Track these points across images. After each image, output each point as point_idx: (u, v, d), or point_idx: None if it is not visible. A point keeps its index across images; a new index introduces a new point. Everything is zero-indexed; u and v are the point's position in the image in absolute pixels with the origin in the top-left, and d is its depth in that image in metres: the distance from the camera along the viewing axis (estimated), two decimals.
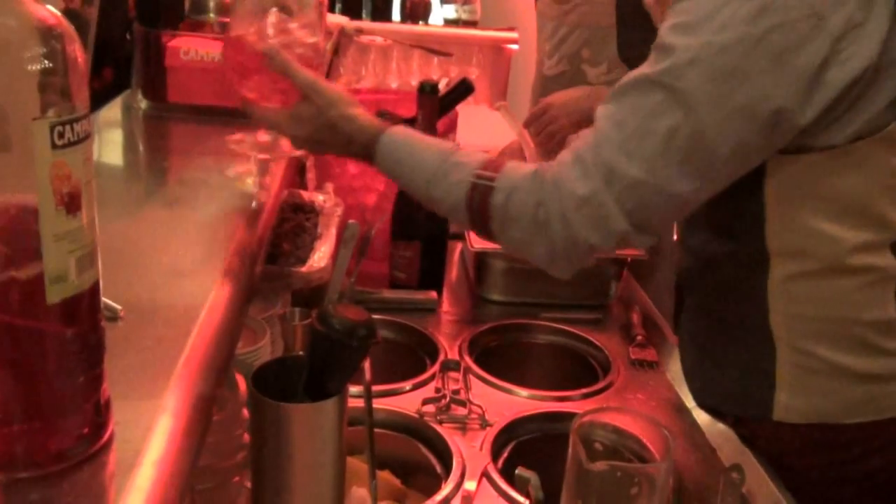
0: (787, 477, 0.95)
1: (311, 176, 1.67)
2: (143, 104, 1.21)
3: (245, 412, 0.76)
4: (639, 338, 1.22)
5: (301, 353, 0.96)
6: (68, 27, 0.42)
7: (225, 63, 1.05)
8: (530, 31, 2.24)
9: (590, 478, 0.72)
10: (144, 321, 0.61)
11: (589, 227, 0.82)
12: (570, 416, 1.02)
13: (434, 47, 2.45)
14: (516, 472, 0.84)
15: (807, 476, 0.96)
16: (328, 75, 2.27)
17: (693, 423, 1.05)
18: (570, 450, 0.74)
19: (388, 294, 1.26)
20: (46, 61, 0.40)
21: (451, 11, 2.78)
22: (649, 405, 1.08)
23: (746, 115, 0.79)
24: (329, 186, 1.23)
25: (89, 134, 0.43)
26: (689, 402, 1.09)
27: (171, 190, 0.97)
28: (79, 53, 0.42)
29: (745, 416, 0.98)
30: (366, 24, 2.58)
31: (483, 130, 2.08)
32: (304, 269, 0.99)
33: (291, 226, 1.12)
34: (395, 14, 2.90)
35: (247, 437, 0.76)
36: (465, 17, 2.76)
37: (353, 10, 2.69)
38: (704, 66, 0.78)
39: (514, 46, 2.66)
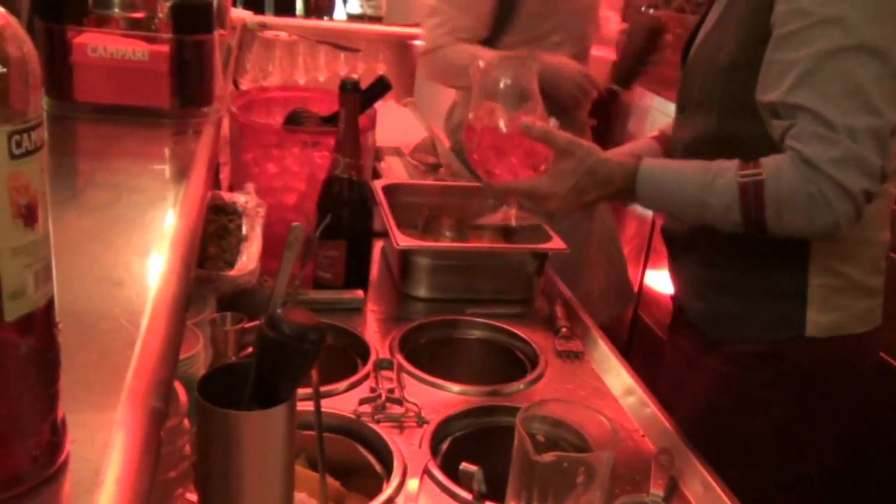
0: (814, 391, 1.12)
1: (223, 176, 1.63)
2: (46, 104, 1.15)
3: (186, 422, 0.74)
4: (563, 330, 1.24)
5: (234, 357, 0.95)
6: (19, 28, 0.40)
7: (477, 151, 1.19)
8: None
9: (536, 469, 0.74)
10: (85, 334, 0.59)
11: (859, 177, 0.95)
12: (503, 410, 1.04)
13: (340, 43, 2.43)
14: (460, 467, 0.85)
15: (828, 382, 1.13)
16: (234, 73, 2.21)
17: (620, 411, 1.08)
18: (515, 442, 0.76)
19: (314, 295, 1.25)
20: (0, 66, 0.38)
21: (355, 7, 2.76)
22: (578, 394, 1.10)
23: None
24: (250, 187, 1.21)
25: (44, 142, 0.41)
26: (616, 390, 1.13)
27: (89, 195, 0.93)
28: (32, 56, 0.40)
29: (779, 338, 1.12)
30: (269, 19, 2.53)
31: (393, 127, 2.08)
32: (233, 272, 0.97)
33: (215, 228, 1.09)
34: (300, 9, 2.86)
35: (188, 447, 0.74)
36: (369, 12, 2.75)
37: (255, 5, 2.63)
38: (877, 17, 0.92)
39: (421, 43, 2.66)
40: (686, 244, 1.20)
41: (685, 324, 1.25)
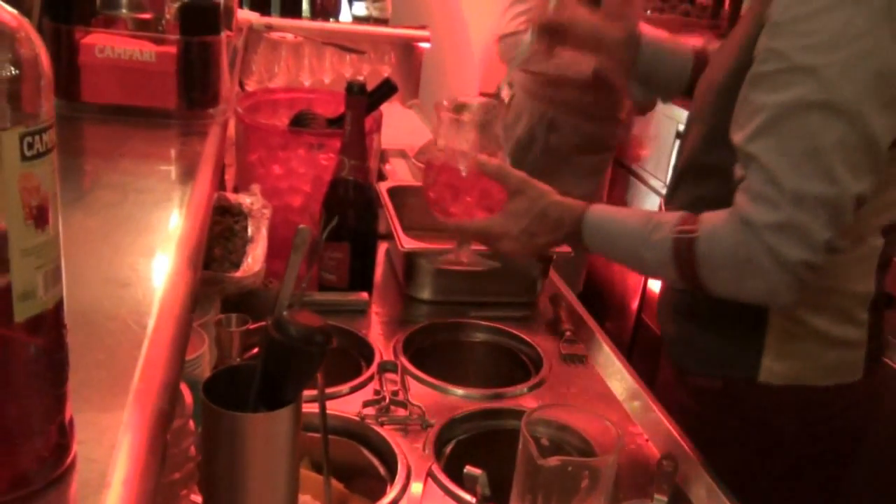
0: (768, 436, 1.06)
1: (228, 177, 1.63)
2: (54, 104, 1.15)
3: (191, 423, 0.74)
4: (567, 333, 1.24)
5: (239, 359, 0.95)
6: (31, 29, 0.40)
7: (433, 187, 1.16)
8: (441, 30, 2.27)
9: (541, 473, 0.74)
10: (92, 335, 0.59)
11: (794, 247, 0.88)
12: (507, 413, 1.04)
13: (346, 44, 2.43)
14: (465, 470, 0.85)
15: (785, 435, 1.06)
16: (240, 74, 2.22)
17: (625, 415, 1.08)
18: (520, 446, 0.76)
19: (319, 296, 1.25)
20: (12, 68, 0.38)
21: (361, 9, 2.76)
22: (582, 399, 1.11)
23: None
24: (256, 188, 1.21)
25: (55, 144, 0.41)
26: (620, 394, 1.13)
27: (96, 195, 0.93)
28: (44, 58, 0.40)
29: (732, 378, 1.06)
30: (275, 20, 2.53)
31: (398, 129, 2.08)
32: (238, 273, 0.97)
33: (220, 229, 1.09)
34: (306, 11, 2.86)
35: (193, 449, 0.74)
36: (375, 14, 2.75)
37: (261, 6, 2.63)
38: (854, 75, 0.84)
39: (426, 45, 2.67)
40: None
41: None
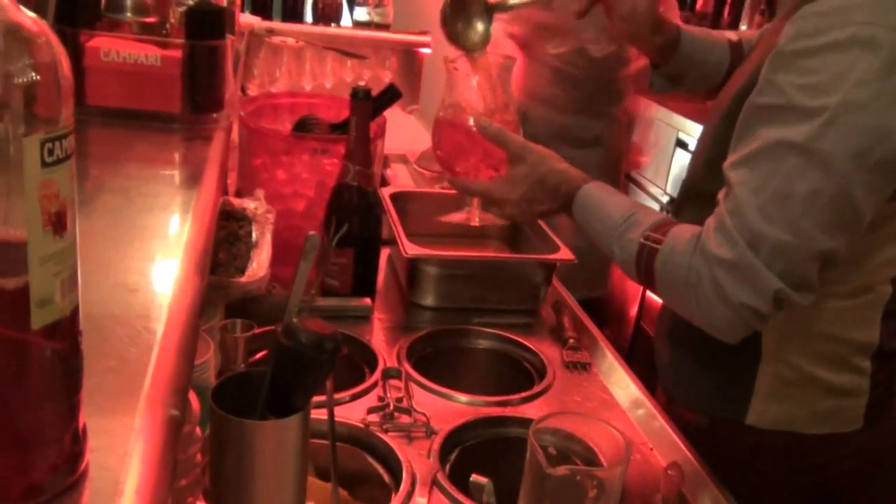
0: (753, 480, 1.01)
1: (230, 181, 1.63)
2: None
3: (198, 430, 0.73)
4: (571, 341, 1.24)
5: (243, 365, 0.94)
6: (52, 34, 0.40)
7: (440, 145, 1.17)
8: (442, 36, 2.27)
9: (548, 482, 0.74)
10: (102, 340, 0.58)
11: (740, 288, 0.84)
12: (512, 421, 1.04)
13: (347, 49, 2.43)
14: (471, 479, 0.84)
15: (771, 480, 1.02)
16: (242, 78, 2.21)
17: (629, 423, 1.08)
18: (528, 455, 0.76)
19: (322, 302, 1.24)
20: (33, 73, 0.38)
21: (363, 14, 2.76)
22: (586, 406, 1.10)
23: (887, 167, 0.81)
24: (260, 193, 1.20)
25: (74, 150, 0.41)
26: (623, 402, 1.13)
27: (102, 200, 0.92)
28: (64, 63, 0.40)
29: (719, 416, 1.03)
30: (277, 24, 2.53)
31: (399, 134, 2.08)
32: (243, 279, 0.97)
33: (225, 234, 1.09)
34: (308, 16, 2.86)
35: (199, 456, 0.74)
36: (377, 19, 2.75)
37: (263, 11, 2.63)
38: (842, 126, 0.79)
39: (427, 50, 2.67)
40: None
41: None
